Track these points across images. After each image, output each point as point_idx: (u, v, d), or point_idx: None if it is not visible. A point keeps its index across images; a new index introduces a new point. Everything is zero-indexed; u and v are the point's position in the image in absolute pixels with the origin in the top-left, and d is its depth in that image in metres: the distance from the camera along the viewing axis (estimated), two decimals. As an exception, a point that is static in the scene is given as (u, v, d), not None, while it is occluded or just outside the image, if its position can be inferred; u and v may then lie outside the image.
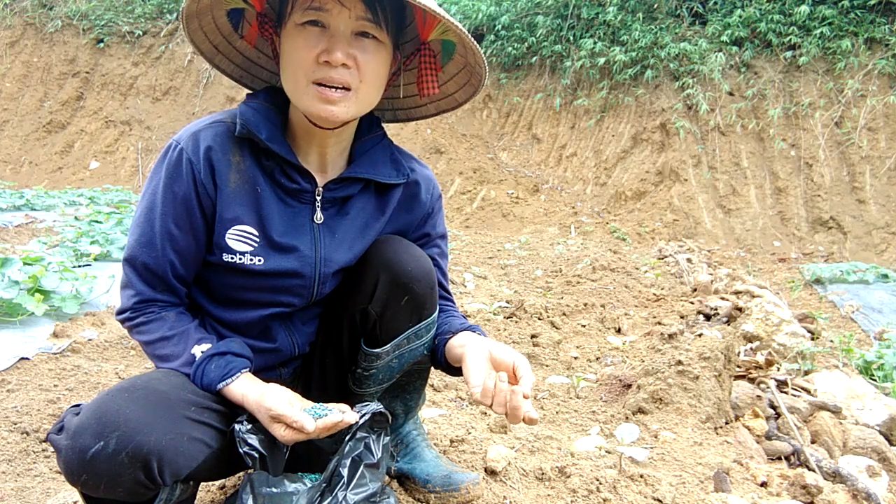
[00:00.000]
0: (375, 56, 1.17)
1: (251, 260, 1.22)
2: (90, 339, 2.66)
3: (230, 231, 1.21)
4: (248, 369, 1.19)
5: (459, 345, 1.28)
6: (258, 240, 1.23)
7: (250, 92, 1.32)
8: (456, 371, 1.34)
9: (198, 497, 1.30)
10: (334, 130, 1.24)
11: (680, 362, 2.09)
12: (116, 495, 0.99)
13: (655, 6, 10.23)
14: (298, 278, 1.27)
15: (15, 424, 1.78)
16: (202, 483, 1.36)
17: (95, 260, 4.29)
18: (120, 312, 1.22)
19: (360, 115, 1.24)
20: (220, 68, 1.36)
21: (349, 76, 1.15)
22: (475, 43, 1.19)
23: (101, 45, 13.56)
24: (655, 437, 1.90)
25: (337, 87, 1.14)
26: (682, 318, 3.55)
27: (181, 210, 1.18)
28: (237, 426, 1.11)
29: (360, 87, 1.17)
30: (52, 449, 1.66)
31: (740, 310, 3.40)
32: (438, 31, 1.24)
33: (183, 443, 1.02)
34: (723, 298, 3.80)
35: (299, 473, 1.19)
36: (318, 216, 1.27)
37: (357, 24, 1.14)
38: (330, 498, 1.13)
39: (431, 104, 1.42)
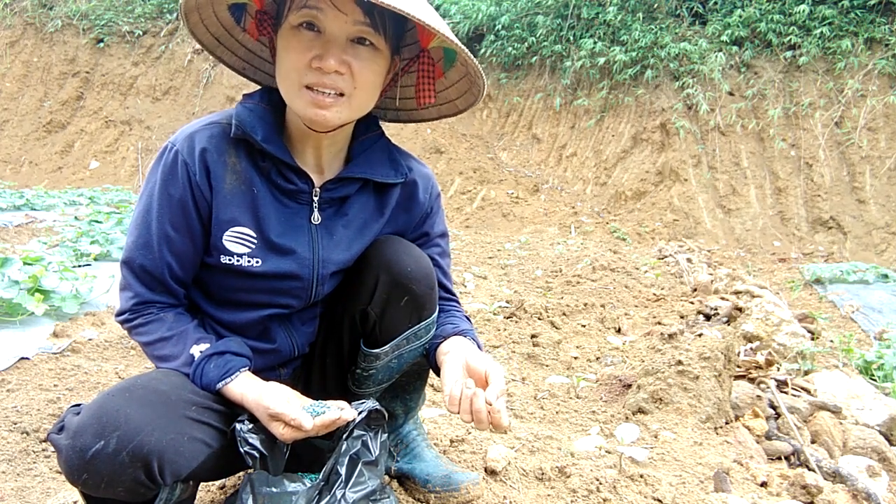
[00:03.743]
0: (371, 63, 1.16)
1: (249, 262, 1.22)
2: (90, 339, 2.66)
3: (227, 233, 1.21)
4: (247, 368, 1.19)
5: (444, 352, 1.29)
6: (255, 241, 1.22)
7: (247, 92, 1.32)
8: None
9: (198, 497, 1.30)
10: (329, 133, 1.23)
11: (680, 362, 2.09)
12: (117, 495, 0.99)
13: (655, 6, 10.23)
14: (296, 280, 1.26)
15: (15, 424, 1.78)
16: (202, 482, 1.36)
17: (95, 260, 4.29)
18: (119, 314, 1.22)
19: (353, 119, 1.23)
20: (223, 60, 1.36)
21: (342, 82, 1.13)
22: (472, 57, 1.17)
23: (101, 44, 13.56)
24: (655, 437, 1.90)
25: (330, 93, 1.13)
26: (682, 318, 3.55)
27: (177, 212, 1.18)
28: (238, 426, 1.11)
29: (355, 93, 1.15)
30: (52, 449, 1.66)
31: (740, 310, 3.40)
32: (438, 40, 1.23)
33: (183, 443, 1.02)
34: (723, 298, 3.80)
35: (299, 473, 1.19)
36: (316, 217, 1.27)
37: (354, 29, 1.12)
38: (328, 496, 1.13)
39: (433, 108, 1.41)
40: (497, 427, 1.10)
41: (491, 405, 1.09)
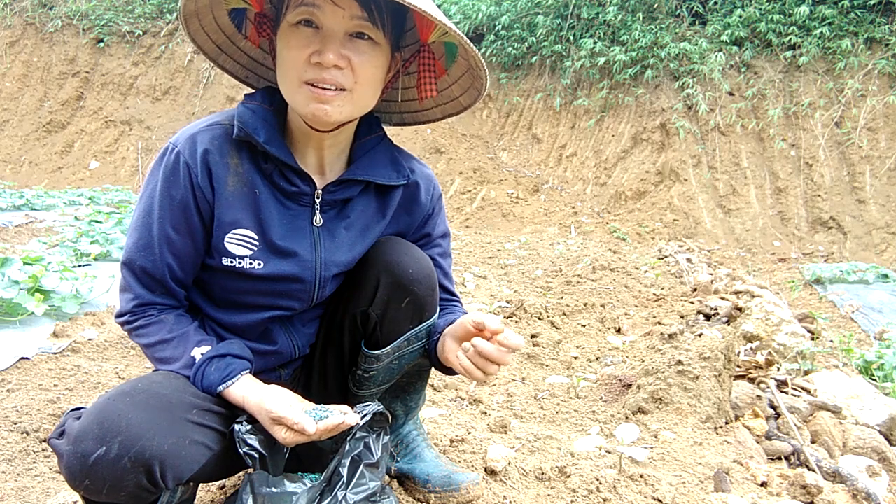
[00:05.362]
0: (370, 57, 1.15)
1: (251, 264, 1.21)
2: (90, 339, 2.66)
3: (229, 235, 1.20)
4: (248, 371, 1.19)
5: (442, 344, 1.31)
6: (258, 243, 1.22)
7: (249, 92, 1.31)
8: (449, 370, 1.35)
9: (198, 497, 1.30)
10: (330, 132, 1.22)
11: (680, 362, 2.09)
12: (118, 499, 0.99)
13: (655, 6, 10.23)
14: (298, 283, 1.26)
15: (15, 424, 1.78)
16: (203, 483, 1.36)
17: (95, 259, 4.29)
18: (119, 315, 1.22)
19: (354, 116, 1.22)
20: (225, 68, 1.35)
21: (342, 77, 1.12)
22: (473, 47, 1.17)
23: (101, 44, 13.56)
24: (655, 437, 1.90)
25: (331, 88, 1.12)
26: (682, 318, 3.55)
27: (178, 214, 1.17)
28: (237, 426, 1.11)
29: (355, 87, 1.14)
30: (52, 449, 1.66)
31: (740, 310, 3.40)
32: (438, 34, 1.22)
33: (185, 447, 1.02)
34: (723, 298, 3.80)
35: (299, 473, 1.19)
36: (318, 219, 1.26)
37: (352, 23, 1.12)
38: (330, 498, 1.13)
39: (437, 108, 1.41)
40: (515, 348, 1.15)
41: (497, 341, 1.13)
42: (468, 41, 1.15)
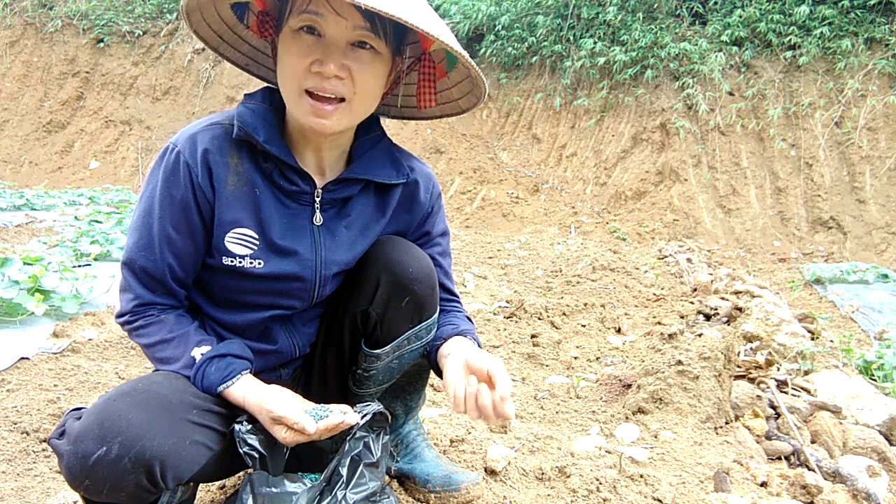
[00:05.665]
0: (371, 67, 1.15)
1: (251, 263, 1.21)
2: (90, 339, 2.66)
3: (229, 234, 1.20)
4: (248, 371, 1.19)
5: (445, 354, 1.29)
6: (258, 243, 1.22)
7: (248, 92, 1.31)
8: None
9: (198, 497, 1.30)
10: (329, 136, 1.23)
11: (680, 362, 2.09)
12: (118, 499, 0.99)
13: (655, 6, 10.23)
14: (299, 281, 1.26)
15: (15, 424, 1.78)
16: (203, 483, 1.36)
17: (95, 259, 4.29)
18: (119, 315, 1.22)
19: (354, 124, 1.23)
20: (227, 57, 1.35)
21: (342, 87, 1.12)
22: (473, 63, 1.16)
23: (101, 44, 13.58)
24: (655, 437, 1.90)
25: (330, 99, 1.12)
26: (682, 318, 3.55)
27: (179, 214, 1.17)
28: (237, 426, 1.11)
29: (355, 98, 1.15)
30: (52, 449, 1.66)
31: (740, 310, 3.40)
32: (439, 42, 1.23)
33: (185, 447, 1.02)
34: (723, 298, 3.80)
35: (299, 473, 1.19)
36: (318, 218, 1.27)
37: (355, 33, 1.11)
38: (329, 497, 1.13)
39: (436, 107, 1.42)
40: (506, 418, 1.12)
41: (498, 400, 1.10)
42: (469, 57, 1.15)
